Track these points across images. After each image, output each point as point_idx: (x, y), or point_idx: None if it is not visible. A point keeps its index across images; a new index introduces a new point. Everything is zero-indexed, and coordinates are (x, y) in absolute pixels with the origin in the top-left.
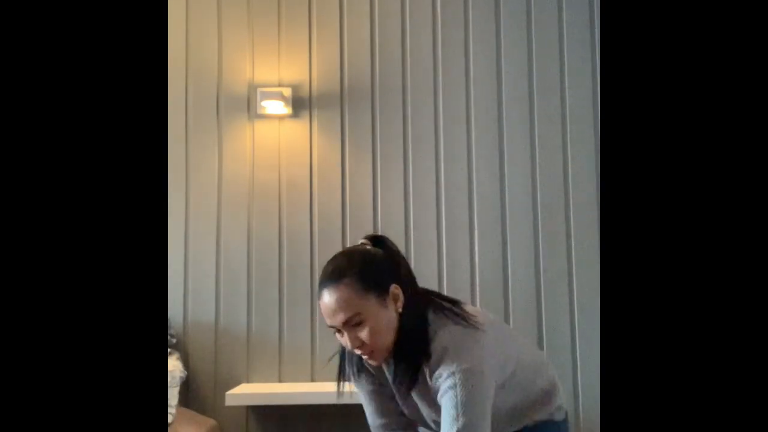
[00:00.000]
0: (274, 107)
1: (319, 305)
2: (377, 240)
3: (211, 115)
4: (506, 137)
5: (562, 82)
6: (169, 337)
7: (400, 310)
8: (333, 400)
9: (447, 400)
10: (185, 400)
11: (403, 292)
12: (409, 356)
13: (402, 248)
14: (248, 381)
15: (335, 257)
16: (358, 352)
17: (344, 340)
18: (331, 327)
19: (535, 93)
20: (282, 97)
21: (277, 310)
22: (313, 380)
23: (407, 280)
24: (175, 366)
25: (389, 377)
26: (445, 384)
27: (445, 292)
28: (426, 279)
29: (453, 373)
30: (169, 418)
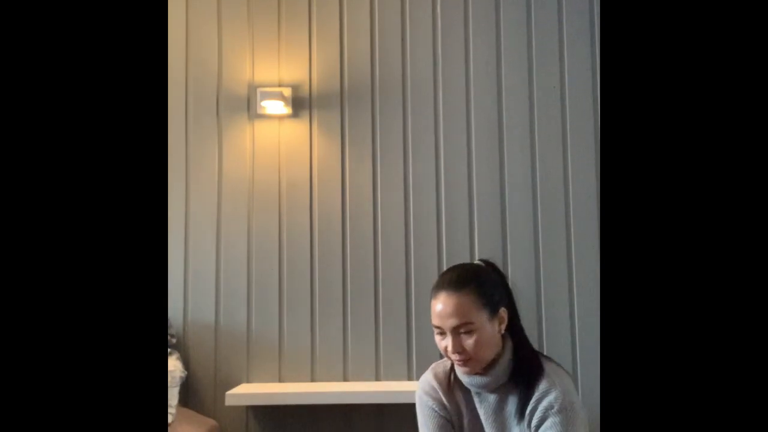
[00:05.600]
0: (274, 107)
1: (433, 303)
2: (489, 264)
3: (211, 115)
4: (506, 137)
5: (562, 81)
6: (169, 337)
7: (502, 332)
8: (333, 400)
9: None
10: (185, 400)
11: (508, 318)
12: (526, 385)
13: (402, 248)
14: (248, 381)
15: (456, 267)
16: (454, 357)
17: (446, 342)
18: (437, 328)
19: (535, 92)
20: (282, 97)
21: (277, 310)
22: (313, 380)
23: (513, 308)
24: (175, 366)
25: (480, 406)
26: (551, 419)
27: None
28: (426, 278)
29: (559, 409)
30: (169, 418)
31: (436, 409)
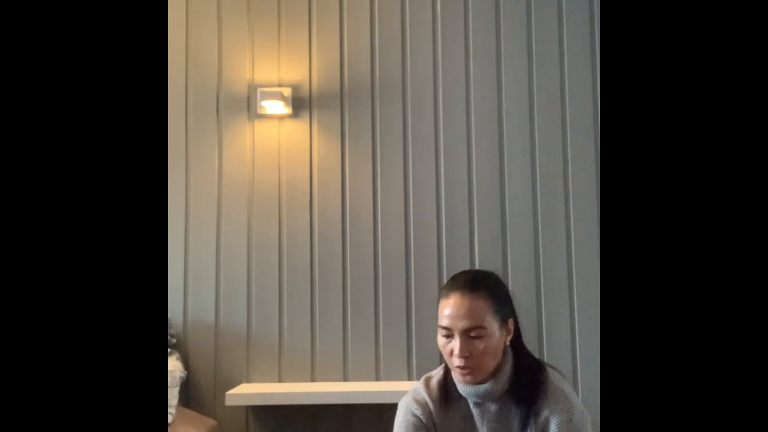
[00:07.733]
0: (274, 107)
1: (443, 304)
2: (496, 275)
3: (211, 115)
4: (506, 137)
5: (562, 81)
6: (169, 337)
7: (508, 342)
8: (333, 400)
9: None
10: (185, 400)
11: (514, 331)
12: (528, 397)
13: (402, 248)
14: (248, 381)
15: (469, 271)
16: (459, 362)
17: (452, 345)
18: (445, 329)
19: (535, 92)
20: (282, 97)
21: (277, 310)
22: (313, 380)
23: (516, 320)
24: (175, 366)
25: (482, 417)
26: (559, 425)
27: None
28: (426, 278)
29: (569, 419)
30: (169, 418)
31: (420, 416)
